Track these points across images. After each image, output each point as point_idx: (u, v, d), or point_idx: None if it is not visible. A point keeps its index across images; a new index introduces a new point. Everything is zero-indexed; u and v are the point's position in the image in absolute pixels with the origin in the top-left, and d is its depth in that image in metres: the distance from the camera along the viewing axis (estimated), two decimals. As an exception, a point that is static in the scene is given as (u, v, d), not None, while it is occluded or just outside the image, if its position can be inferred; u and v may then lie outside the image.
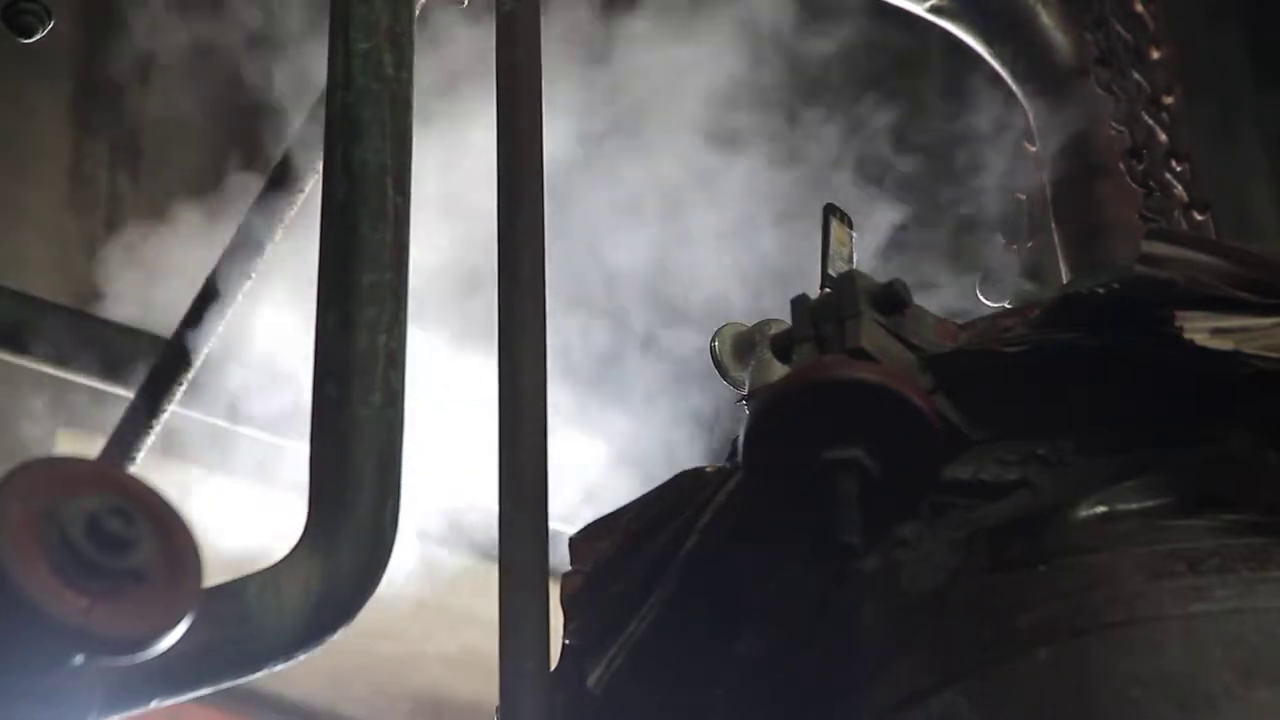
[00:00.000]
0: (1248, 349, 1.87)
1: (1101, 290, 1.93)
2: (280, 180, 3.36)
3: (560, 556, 2.19)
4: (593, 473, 3.55)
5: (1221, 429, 1.94)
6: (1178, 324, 1.88)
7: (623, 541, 2.10)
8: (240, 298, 3.47)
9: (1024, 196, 3.02)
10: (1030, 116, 3.01)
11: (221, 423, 3.77)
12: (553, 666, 2.07)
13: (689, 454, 3.52)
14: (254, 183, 3.53)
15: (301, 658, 1.75)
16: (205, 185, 3.96)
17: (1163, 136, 2.84)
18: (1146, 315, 1.90)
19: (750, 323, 2.22)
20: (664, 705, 2.09)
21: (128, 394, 3.66)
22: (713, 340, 2.22)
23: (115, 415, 3.70)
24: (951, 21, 3.05)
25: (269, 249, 3.40)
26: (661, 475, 2.11)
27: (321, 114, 2.07)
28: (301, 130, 3.30)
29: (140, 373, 3.62)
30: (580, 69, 3.32)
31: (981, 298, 2.69)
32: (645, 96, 3.48)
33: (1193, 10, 5.42)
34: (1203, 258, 1.93)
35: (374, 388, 1.83)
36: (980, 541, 1.94)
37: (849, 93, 3.87)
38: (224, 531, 3.14)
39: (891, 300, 2.01)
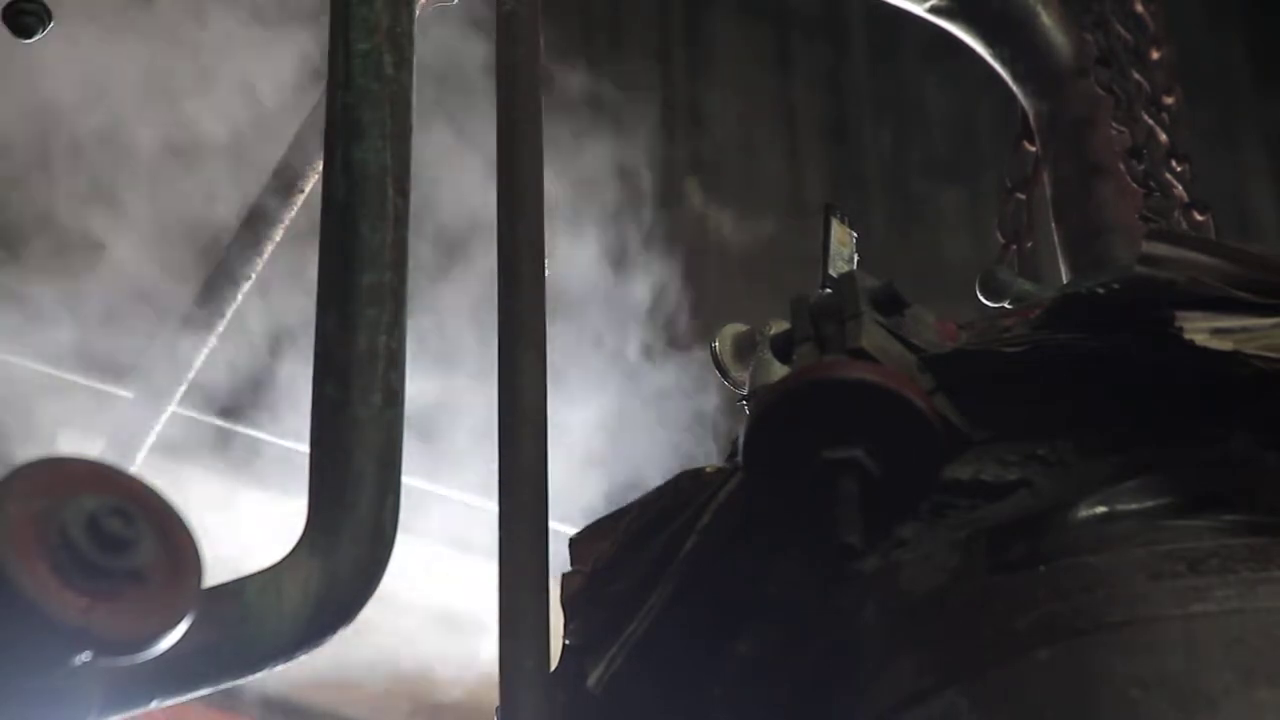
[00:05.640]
0: (1248, 349, 1.86)
1: (1101, 290, 1.93)
2: (280, 180, 3.37)
3: (560, 556, 2.19)
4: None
5: (1221, 429, 1.93)
6: (1178, 324, 1.87)
7: (623, 541, 2.10)
8: (240, 299, 3.48)
9: (1024, 196, 3.02)
10: (1030, 116, 3.01)
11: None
12: (553, 666, 2.07)
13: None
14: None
15: (301, 658, 1.75)
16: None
17: (1163, 136, 2.84)
18: (1146, 315, 1.90)
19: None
20: (664, 705, 2.09)
21: (127, 394, 3.66)
22: (713, 340, 2.22)
23: (115, 415, 3.70)
24: (951, 21, 3.05)
25: (269, 250, 3.41)
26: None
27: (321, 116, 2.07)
28: (301, 131, 3.30)
29: (140, 373, 3.63)
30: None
31: (981, 298, 2.69)
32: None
33: (1193, 10, 5.43)
34: (1203, 258, 1.93)
35: (374, 388, 1.83)
36: (980, 542, 1.94)
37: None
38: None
39: (892, 300, 2.01)
